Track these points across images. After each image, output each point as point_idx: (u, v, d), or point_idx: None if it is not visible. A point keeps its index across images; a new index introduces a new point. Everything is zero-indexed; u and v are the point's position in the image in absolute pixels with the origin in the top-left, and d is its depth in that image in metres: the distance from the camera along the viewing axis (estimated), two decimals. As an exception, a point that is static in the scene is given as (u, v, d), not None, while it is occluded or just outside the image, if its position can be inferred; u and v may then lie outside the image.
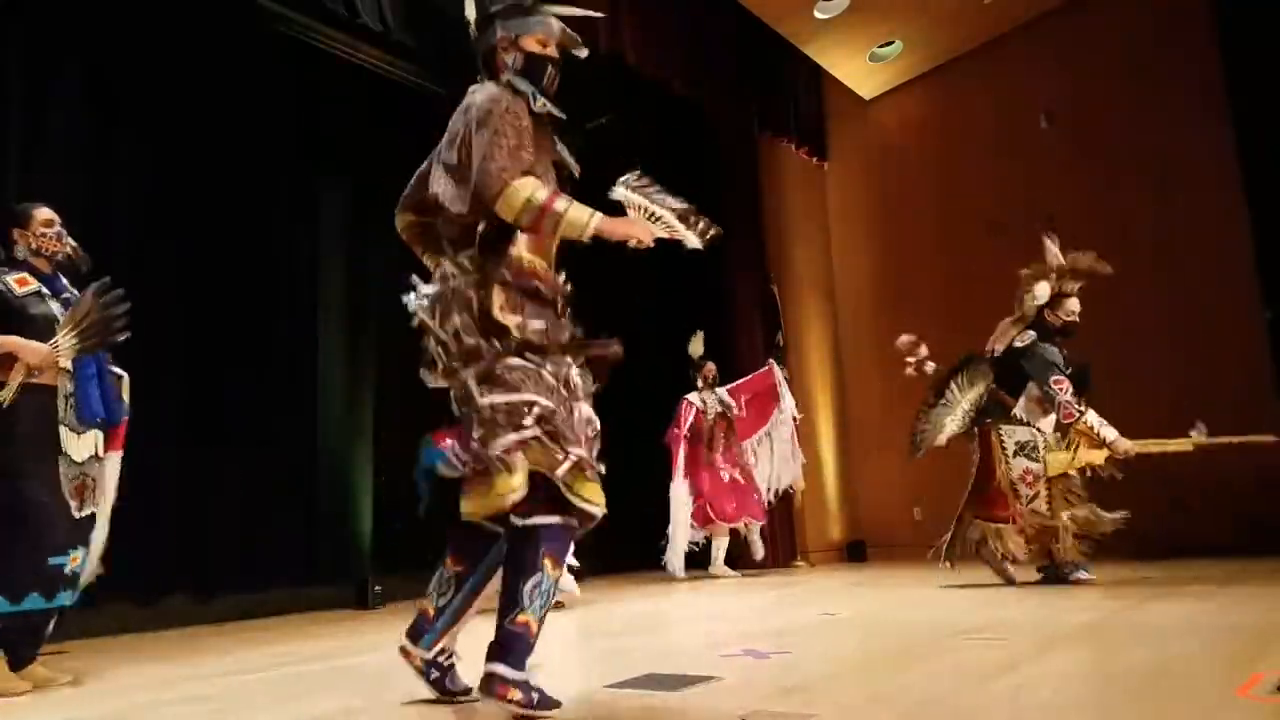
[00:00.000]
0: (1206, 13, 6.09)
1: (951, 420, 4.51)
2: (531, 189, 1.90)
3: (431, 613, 2.09)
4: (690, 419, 6.35)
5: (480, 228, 2.01)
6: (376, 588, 5.11)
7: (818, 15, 6.90)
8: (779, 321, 7.38)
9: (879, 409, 7.93)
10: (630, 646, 3.05)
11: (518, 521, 1.90)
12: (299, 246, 5.47)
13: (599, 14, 2.25)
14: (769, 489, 6.45)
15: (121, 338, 2.82)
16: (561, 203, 1.91)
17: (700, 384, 6.48)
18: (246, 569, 4.78)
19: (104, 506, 2.85)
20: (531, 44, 2.12)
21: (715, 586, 5.69)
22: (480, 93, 2.05)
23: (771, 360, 6.71)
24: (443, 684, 2.10)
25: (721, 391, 6.51)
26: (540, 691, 1.84)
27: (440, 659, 2.10)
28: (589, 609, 4.33)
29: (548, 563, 1.88)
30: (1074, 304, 4.38)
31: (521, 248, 2.04)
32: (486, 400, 1.92)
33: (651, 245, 2.00)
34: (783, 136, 7.97)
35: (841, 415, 8.14)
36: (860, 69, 7.80)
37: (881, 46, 7.47)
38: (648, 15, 6.27)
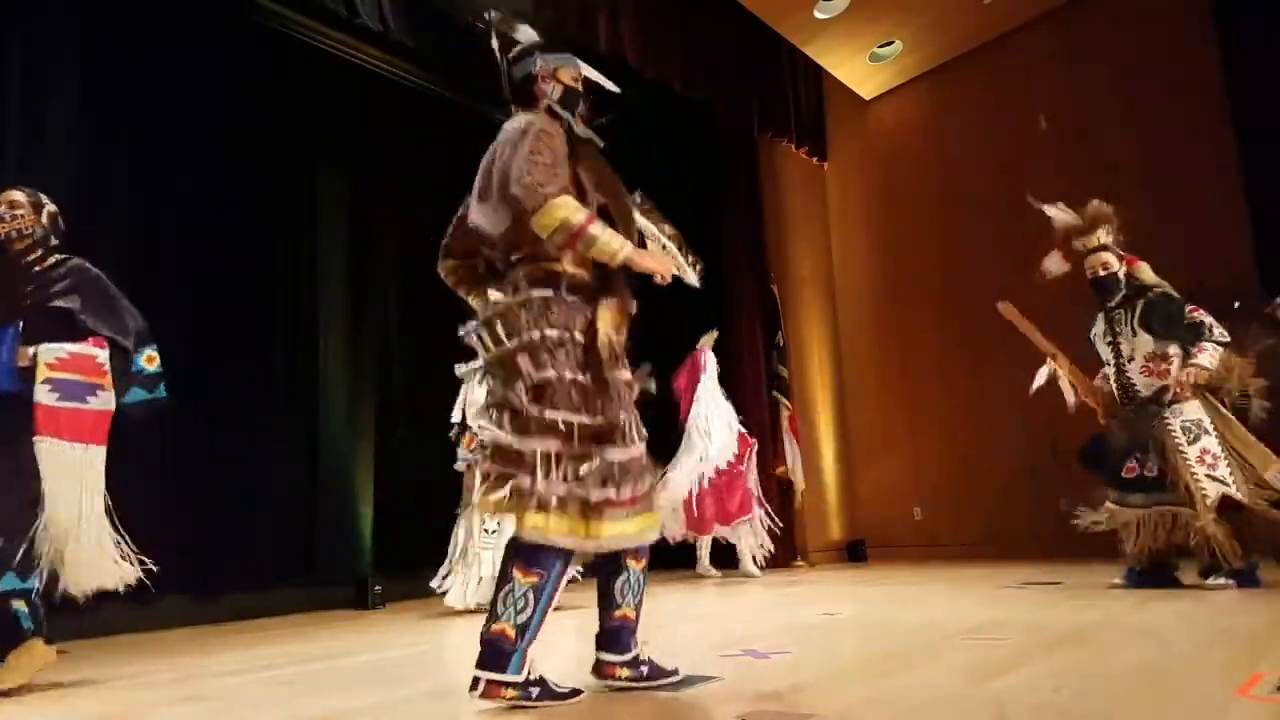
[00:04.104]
0: (1207, 13, 6.09)
1: None
2: (570, 210, 1.96)
3: (634, 616, 2.11)
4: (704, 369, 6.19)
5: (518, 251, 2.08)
6: (376, 588, 5.12)
7: (818, 15, 6.90)
8: (779, 321, 7.38)
9: (879, 409, 7.94)
10: (630, 646, 3.04)
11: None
12: (299, 246, 5.47)
13: (616, 89, 2.35)
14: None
15: (54, 304, 2.67)
16: (595, 228, 1.98)
17: None
18: (247, 569, 4.78)
19: (48, 494, 2.61)
20: (566, 78, 2.23)
21: (715, 587, 5.68)
22: (517, 120, 2.12)
23: (703, 346, 6.40)
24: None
25: None
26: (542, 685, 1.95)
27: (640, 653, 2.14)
28: (588, 609, 4.33)
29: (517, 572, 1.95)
30: (1090, 261, 4.05)
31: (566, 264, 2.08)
32: None
33: (669, 282, 2.12)
34: (783, 136, 7.97)
35: (841, 415, 8.15)
36: (860, 69, 7.80)
37: (881, 46, 7.47)
38: (648, 15, 6.27)
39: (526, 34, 2.28)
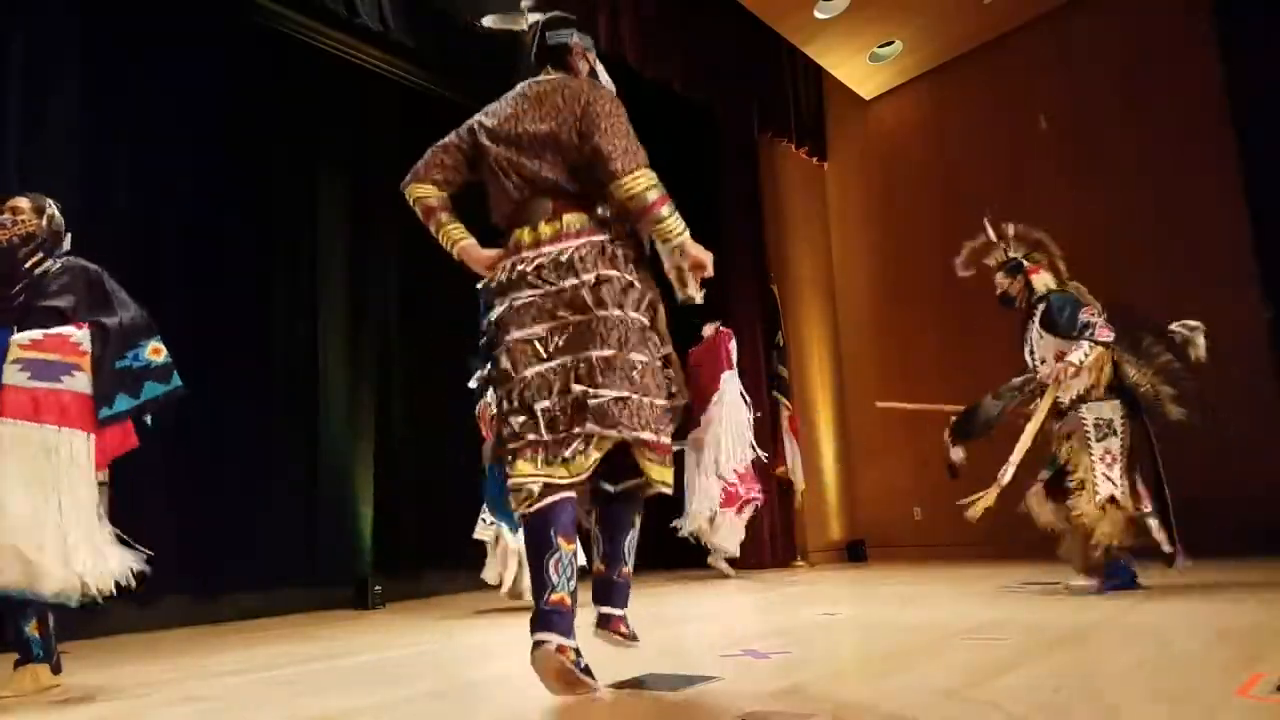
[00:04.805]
0: (1207, 12, 6.09)
1: None
2: (653, 182, 2.06)
3: (569, 602, 2.00)
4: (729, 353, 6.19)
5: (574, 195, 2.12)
6: (376, 588, 5.11)
7: (818, 15, 6.90)
8: (779, 321, 7.38)
9: (878, 409, 7.94)
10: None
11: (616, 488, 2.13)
12: (298, 246, 5.48)
13: (612, 85, 2.39)
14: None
15: (48, 304, 2.64)
16: (668, 208, 2.06)
17: None
18: (247, 569, 4.78)
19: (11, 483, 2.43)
20: (591, 59, 2.35)
21: (715, 586, 5.68)
22: (579, 81, 2.20)
23: (719, 326, 6.35)
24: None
25: None
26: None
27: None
28: (588, 609, 4.33)
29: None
30: (996, 279, 4.24)
31: None
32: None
33: (711, 275, 2.16)
34: (783, 136, 7.96)
35: (841, 415, 8.14)
36: (860, 69, 7.80)
37: (881, 46, 7.47)
38: (648, 15, 6.27)
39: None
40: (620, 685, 2.13)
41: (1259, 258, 5.72)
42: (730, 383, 6.13)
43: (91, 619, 3.91)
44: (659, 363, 2.12)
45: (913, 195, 7.87)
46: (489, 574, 4.53)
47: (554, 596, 1.93)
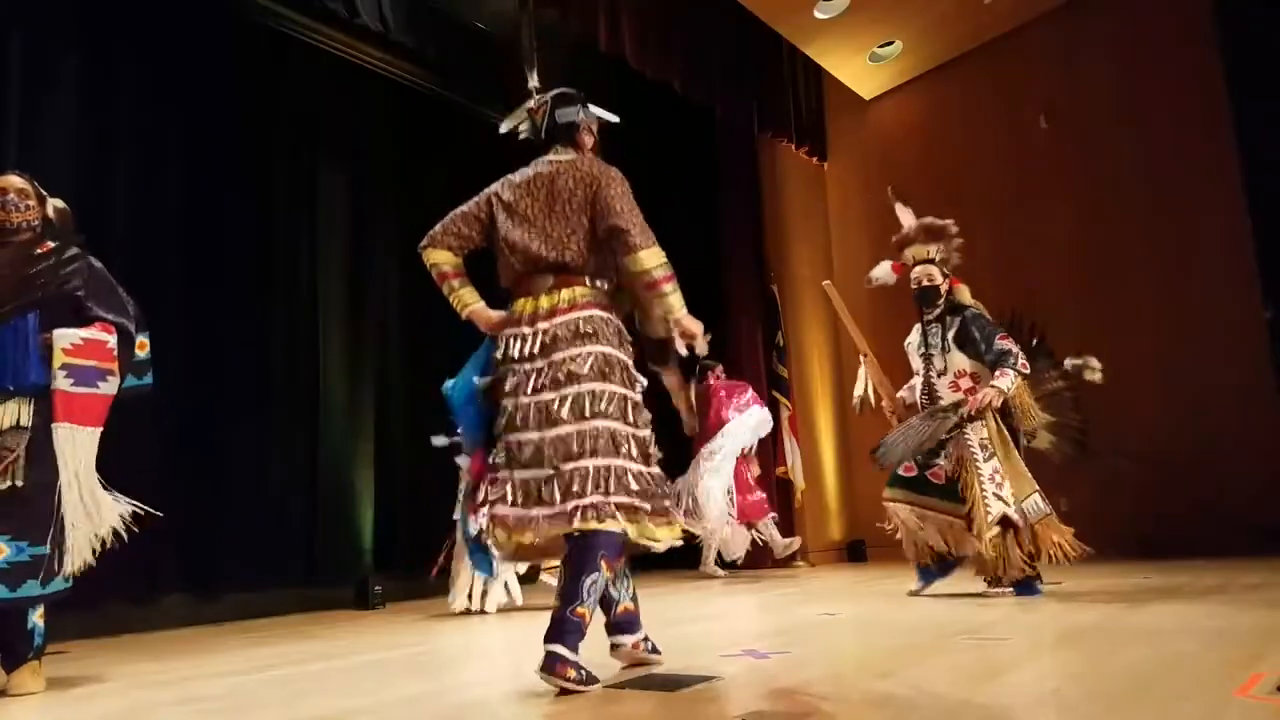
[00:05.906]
0: (1207, 12, 6.08)
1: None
2: (662, 260, 2.25)
3: (634, 607, 2.43)
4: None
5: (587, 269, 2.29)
6: (376, 588, 5.12)
7: (818, 15, 6.89)
8: (779, 321, 7.38)
9: (879, 409, 7.93)
10: (630, 646, 3.04)
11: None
12: (298, 246, 5.48)
13: (616, 119, 2.57)
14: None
15: (66, 290, 2.73)
16: (671, 285, 2.26)
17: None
18: (247, 569, 4.79)
19: (65, 481, 2.62)
20: (595, 131, 2.50)
21: (715, 586, 5.68)
22: (589, 163, 2.34)
23: (713, 372, 6.41)
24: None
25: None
26: (587, 670, 2.08)
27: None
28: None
29: (604, 563, 2.12)
30: (916, 272, 4.15)
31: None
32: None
33: (698, 350, 2.32)
34: (783, 136, 7.96)
35: (841, 415, 8.14)
36: (860, 69, 7.80)
37: (881, 46, 7.47)
38: (648, 15, 6.27)
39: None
40: (620, 685, 2.13)
41: (1259, 258, 5.72)
42: (735, 428, 6.19)
43: (92, 619, 3.93)
44: (645, 431, 2.25)
45: (913, 195, 7.82)
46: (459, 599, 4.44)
47: (578, 609, 2.05)
